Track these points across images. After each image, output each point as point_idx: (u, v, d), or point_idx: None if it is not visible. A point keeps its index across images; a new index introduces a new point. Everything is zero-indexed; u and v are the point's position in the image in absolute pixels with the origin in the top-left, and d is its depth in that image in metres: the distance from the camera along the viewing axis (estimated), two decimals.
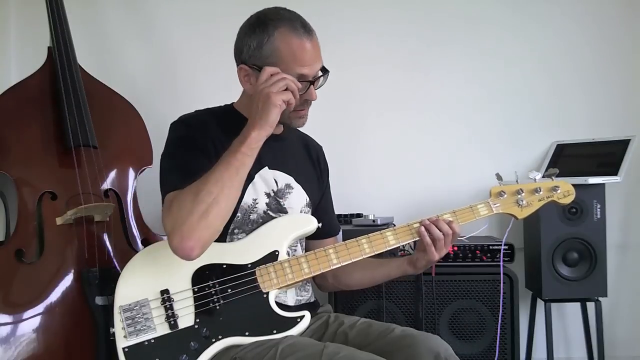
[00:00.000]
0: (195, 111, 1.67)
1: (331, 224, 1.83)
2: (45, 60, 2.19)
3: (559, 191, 1.66)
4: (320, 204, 1.79)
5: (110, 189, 2.13)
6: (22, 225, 2.01)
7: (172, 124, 1.62)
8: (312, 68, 1.53)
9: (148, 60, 2.62)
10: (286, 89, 1.45)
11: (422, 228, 1.60)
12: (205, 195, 1.37)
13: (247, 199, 1.57)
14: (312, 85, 1.54)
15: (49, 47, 2.21)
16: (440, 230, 1.59)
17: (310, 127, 1.74)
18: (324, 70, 1.58)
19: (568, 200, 1.68)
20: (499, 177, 1.68)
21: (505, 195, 1.66)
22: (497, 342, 1.99)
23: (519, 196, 1.66)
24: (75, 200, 2.03)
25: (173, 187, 1.46)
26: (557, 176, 1.68)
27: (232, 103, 1.71)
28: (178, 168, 1.51)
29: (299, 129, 1.70)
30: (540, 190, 1.66)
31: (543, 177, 1.69)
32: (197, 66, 2.60)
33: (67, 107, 2.11)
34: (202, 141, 1.55)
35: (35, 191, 2.02)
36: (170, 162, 1.55)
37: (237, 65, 1.59)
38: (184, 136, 1.57)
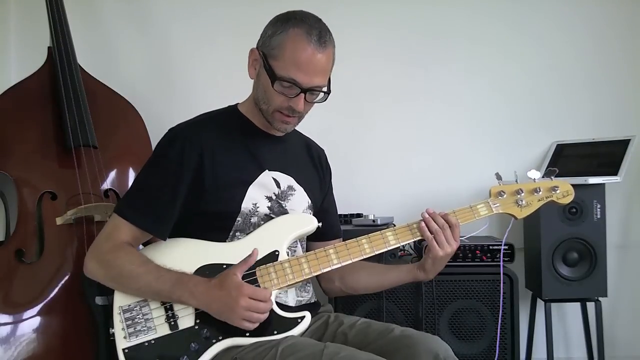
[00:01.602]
0: (193, 118, 1.64)
1: (333, 226, 1.82)
2: (45, 60, 2.20)
3: (558, 191, 1.66)
4: (322, 206, 1.79)
5: (110, 189, 2.13)
6: (22, 225, 2.01)
7: (164, 136, 1.60)
8: (309, 78, 1.50)
9: (148, 60, 2.62)
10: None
11: (422, 223, 1.60)
12: (120, 280, 1.49)
13: (247, 204, 1.57)
14: (302, 94, 1.52)
15: (49, 47, 2.21)
16: (436, 223, 1.59)
17: (310, 127, 1.74)
18: (327, 91, 1.56)
19: (567, 200, 1.67)
20: (498, 177, 1.68)
21: (505, 195, 1.66)
22: (497, 342, 1.99)
23: (519, 196, 1.66)
24: (75, 200, 2.04)
25: (123, 214, 1.53)
26: (557, 176, 1.68)
27: (237, 104, 1.70)
28: (139, 199, 1.55)
29: (301, 131, 1.70)
30: (540, 190, 1.66)
31: (542, 176, 1.69)
32: (197, 66, 2.60)
33: (67, 107, 2.11)
34: (179, 163, 1.53)
35: (35, 191, 2.03)
36: (139, 185, 1.59)
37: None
38: (162, 161, 1.56)
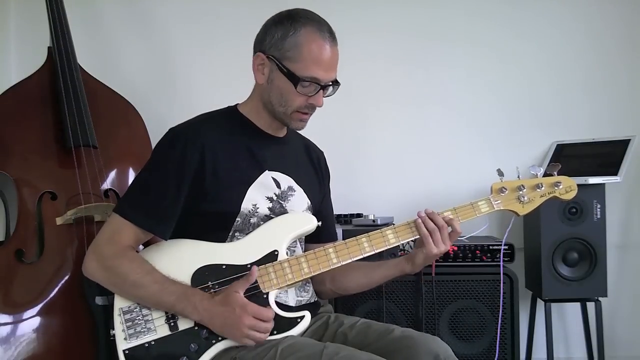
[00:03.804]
0: (194, 118, 1.64)
1: (329, 229, 1.81)
2: (45, 60, 2.20)
3: (560, 187, 1.65)
4: (320, 208, 1.78)
5: (110, 189, 2.13)
6: (22, 225, 2.01)
7: (164, 136, 1.59)
8: (327, 74, 1.54)
9: (148, 60, 2.62)
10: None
11: (419, 219, 1.60)
12: (123, 287, 1.49)
13: (247, 205, 1.56)
14: (322, 91, 1.55)
15: (49, 47, 2.21)
16: (435, 223, 1.59)
17: (311, 127, 1.74)
18: (336, 82, 1.58)
19: (570, 195, 1.65)
20: (500, 173, 1.66)
21: (507, 192, 1.64)
22: (497, 342, 1.99)
23: (521, 192, 1.64)
24: (75, 200, 2.04)
25: (125, 214, 1.52)
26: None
27: (237, 105, 1.69)
28: (141, 199, 1.54)
29: (301, 133, 1.70)
30: (542, 186, 1.64)
31: (545, 173, 1.68)
32: (196, 66, 2.60)
33: (67, 107, 2.11)
34: (180, 162, 1.52)
35: (35, 191, 2.02)
36: (139, 186, 1.58)
37: (255, 53, 1.59)
38: (163, 160, 1.56)
